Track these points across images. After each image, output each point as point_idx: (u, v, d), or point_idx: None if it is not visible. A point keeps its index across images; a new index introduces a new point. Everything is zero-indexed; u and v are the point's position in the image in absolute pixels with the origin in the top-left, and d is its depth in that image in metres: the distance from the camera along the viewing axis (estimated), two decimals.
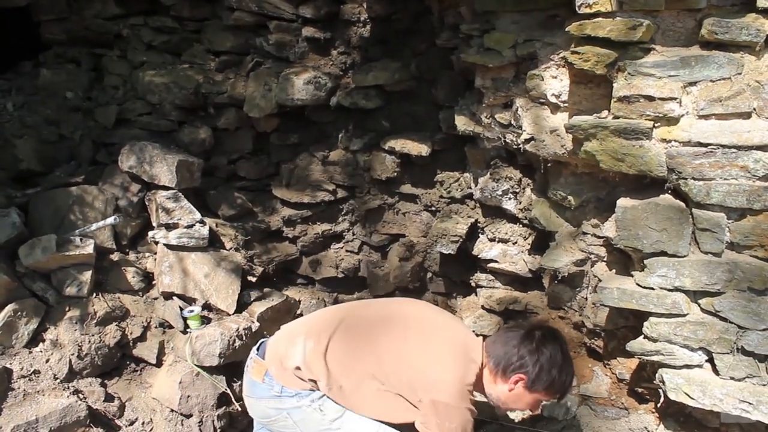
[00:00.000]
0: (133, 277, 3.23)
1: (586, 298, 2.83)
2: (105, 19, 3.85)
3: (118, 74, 3.89)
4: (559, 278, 2.81)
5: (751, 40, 2.06)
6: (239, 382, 2.95)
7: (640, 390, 2.75)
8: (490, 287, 3.48)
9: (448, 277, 3.70)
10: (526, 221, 3.12)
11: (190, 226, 3.29)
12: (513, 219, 3.26)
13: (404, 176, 3.65)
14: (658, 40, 2.21)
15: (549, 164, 2.74)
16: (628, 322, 2.65)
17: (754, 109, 2.10)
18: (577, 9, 2.27)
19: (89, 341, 2.93)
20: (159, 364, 3.08)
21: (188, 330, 3.11)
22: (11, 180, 3.43)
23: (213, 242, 3.38)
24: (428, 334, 2.25)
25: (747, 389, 2.24)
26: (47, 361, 2.84)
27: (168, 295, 3.22)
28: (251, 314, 3.28)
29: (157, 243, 3.33)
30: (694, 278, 2.26)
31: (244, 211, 3.72)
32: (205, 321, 3.16)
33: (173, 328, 3.16)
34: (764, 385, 2.23)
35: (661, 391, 2.45)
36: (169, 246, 3.26)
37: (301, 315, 3.51)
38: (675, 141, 2.20)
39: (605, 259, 2.68)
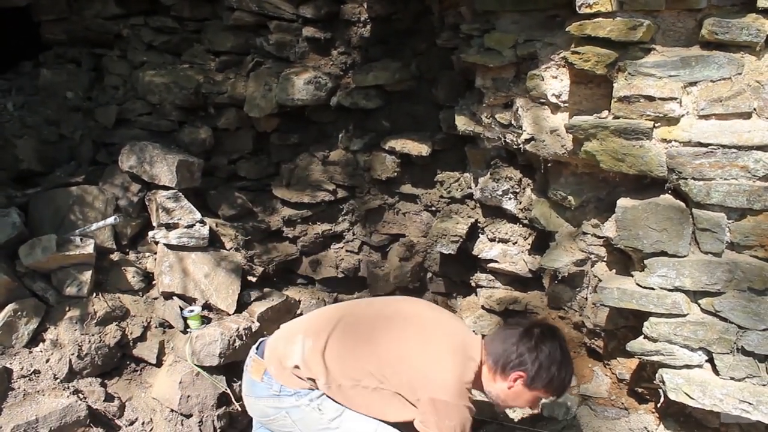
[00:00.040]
0: (133, 277, 3.23)
1: (586, 298, 2.83)
2: (105, 19, 3.85)
3: (119, 74, 3.89)
4: (559, 278, 2.81)
5: (751, 40, 2.06)
6: (239, 382, 2.95)
7: (640, 390, 2.75)
8: (490, 287, 3.48)
9: (448, 277, 3.70)
10: (526, 221, 3.12)
11: (191, 226, 3.29)
12: (513, 219, 3.26)
13: (404, 176, 3.65)
14: (658, 40, 2.21)
15: (549, 164, 2.74)
16: (628, 322, 2.65)
17: (755, 109, 2.10)
18: (577, 9, 2.27)
19: (89, 341, 2.93)
20: (159, 364, 3.08)
21: (188, 330, 3.11)
22: (11, 180, 3.43)
23: (213, 242, 3.38)
24: (427, 332, 2.25)
25: (747, 389, 2.24)
26: (47, 361, 2.84)
27: (168, 295, 3.22)
28: (251, 314, 3.28)
29: (157, 243, 3.33)
30: (694, 278, 2.26)
31: (244, 211, 3.72)
32: (205, 321, 3.16)
33: (173, 328, 3.16)
34: (764, 385, 2.23)
35: (661, 391, 2.45)
36: (169, 246, 3.26)
37: (301, 315, 3.51)
38: (675, 141, 2.20)
39: (605, 259, 2.68)
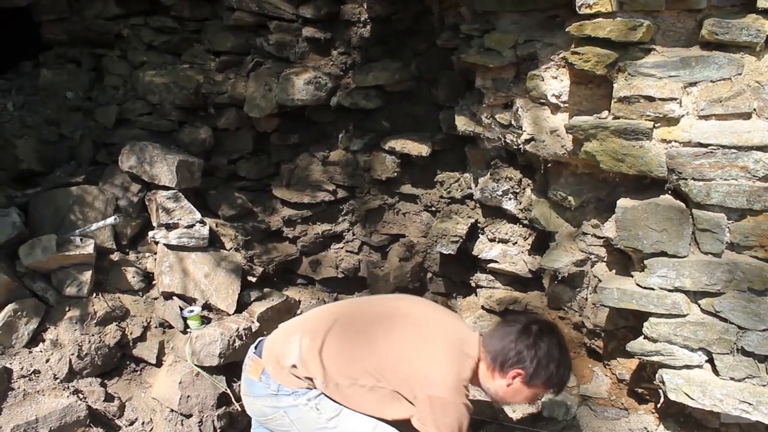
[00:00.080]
0: (133, 277, 3.23)
1: (586, 299, 2.83)
2: (105, 19, 3.85)
3: (119, 74, 3.90)
4: (559, 278, 2.81)
5: (751, 41, 2.06)
6: (239, 382, 2.94)
7: (640, 390, 2.75)
8: (490, 287, 3.48)
9: (448, 277, 3.70)
10: (526, 221, 3.12)
11: (190, 226, 3.29)
12: (513, 219, 3.26)
13: (404, 176, 3.65)
14: (658, 40, 2.21)
15: (549, 164, 2.74)
16: (628, 323, 2.65)
17: (754, 109, 2.10)
18: (577, 9, 2.27)
19: (89, 341, 2.93)
20: (159, 364, 3.08)
21: (188, 330, 3.11)
22: (11, 180, 3.43)
23: (213, 242, 3.38)
24: (424, 330, 2.25)
25: (747, 390, 2.24)
26: (47, 361, 2.84)
27: (168, 295, 3.22)
28: (251, 314, 3.28)
29: (157, 243, 3.33)
30: (694, 279, 2.26)
31: (244, 211, 3.72)
32: (205, 321, 3.16)
33: (173, 328, 3.16)
34: (764, 385, 2.23)
35: (661, 391, 2.45)
36: (169, 246, 3.26)
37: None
38: (675, 141, 2.20)
39: (605, 259, 2.68)
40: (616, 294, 2.42)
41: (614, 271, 2.63)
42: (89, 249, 3.03)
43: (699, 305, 2.30)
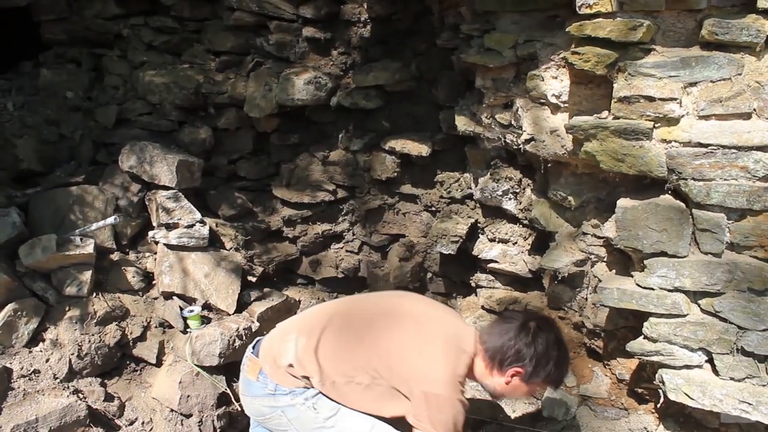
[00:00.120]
0: (133, 276, 3.23)
1: (586, 299, 2.83)
2: (105, 19, 3.85)
3: (119, 74, 3.90)
4: (559, 278, 2.81)
5: (751, 41, 2.06)
6: (239, 382, 2.95)
7: (639, 390, 2.75)
8: (490, 287, 3.48)
9: (448, 277, 3.70)
10: (526, 221, 3.12)
11: (190, 226, 3.29)
12: (513, 219, 3.26)
13: (404, 176, 3.65)
14: (658, 40, 2.21)
15: (549, 164, 2.74)
16: (628, 323, 2.65)
17: (754, 109, 2.10)
18: (577, 9, 2.28)
19: (89, 341, 2.93)
20: (159, 363, 3.08)
21: (188, 330, 3.11)
22: (11, 180, 3.44)
23: (213, 242, 3.38)
24: (419, 326, 2.24)
25: (747, 390, 2.24)
26: (47, 360, 2.84)
27: (168, 295, 3.22)
28: (251, 314, 3.28)
29: (157, 243, 3.33)
30: (694, 279, 2.26)
31: (244, 211, 3.72)
32: (205, 321, 3.16)
33: (173, 327, 3.16)
34: (764, 385, 2.23)
35: (660, 391, 2.45)
36: (169, 246, 3.26)
37: None
38: (675, 141, 2.20)
39: (605, 259, 2.68)
40: (616, 294, 2.42)
41: (614, 271, 2.63)
42: (89, 249, 3.03)
43: (699, 305, 2.30)
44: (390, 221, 3.78)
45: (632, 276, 2.43)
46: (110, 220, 3.25)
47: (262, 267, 3.56)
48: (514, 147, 2.87)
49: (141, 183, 3.41)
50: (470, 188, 3.43)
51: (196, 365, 2.98)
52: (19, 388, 2.73)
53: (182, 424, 2.95)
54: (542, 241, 3.05)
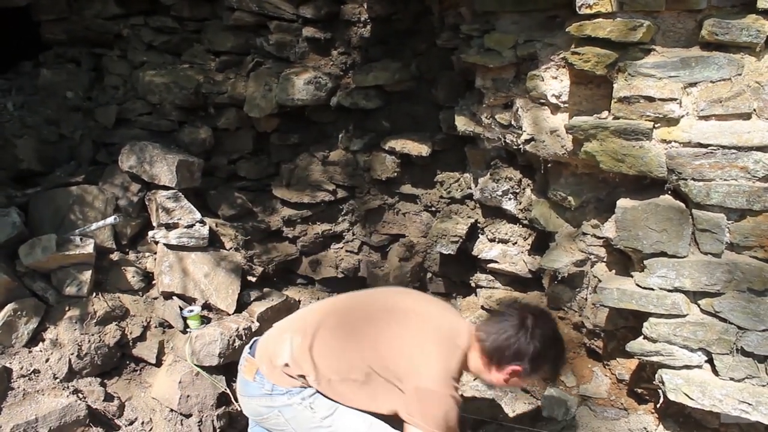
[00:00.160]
0: (133, 276, 3.23)
1: (586, 299, 2.83)
2: (105, 19, 3.86)
3: (119, 74, 3.90)
4: (559, 279, 2.81)
5: (751, 41, 2.06)
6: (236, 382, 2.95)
7: (639, 390, 2.75)
8: (490, 287, 3.48)
9: (447, 277, 3.70)
10: (526, 222, 3.12)
11: (190, 226, 3.29)
12: (513, 219, 3.26)
13: (404, 176, 3.65)
14: (658, 40, 2.21)
15: (549, 165, 2.74)
16: (628, 323, 2.65)
17: (754, 110, 2.10)
18: (577, 9, 2.28)
19: (89, 341, 2.93)
20: (159, 363, 3.08)
21: (188, 330, 3.11)
22: (11, 180, 3.44)
23: (213, 242, 3.38)
24: (412, 321, 2.24)
25: (746, 390, 2.24)
26: (47, 360, 2.84)
27: (168, 295, 3.22)
28: (251, 314, 3.28)
29: (157, 243, 3.33)
30: (693, 279, 2.26)
31: (244, 211, 3.72)
32: (204, 321, 3.16)
33: (173, 327, 3.16)
34: (763, 385, 2.23)
35: (660, 391, 2.45)
36: (169, 246, 3.27)
37: None
38: (675, 142, 2.20)
39: (605, 259, 2.68)
40: (616, 294, 2.42)
41: (614, 271, 2.63)
42: (89, 249, 3.03)
43: (699, 305, 2.30)
44: (390, 221, 3.78)
45: (632, 276, 2.43)
46: (110, 220, 3.25)
47: (262, 267, 3.56)
48: (514, 147, 2.87)
49: (141, 183, 3.41)
50: (470, 188, 3.43)
51: (195, 365, 2.98)
52: (18, 387, 2.73)
53: (182, 424, 2.95)
54: (542, 242, 3.05)
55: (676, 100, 2.16)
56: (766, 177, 2.11)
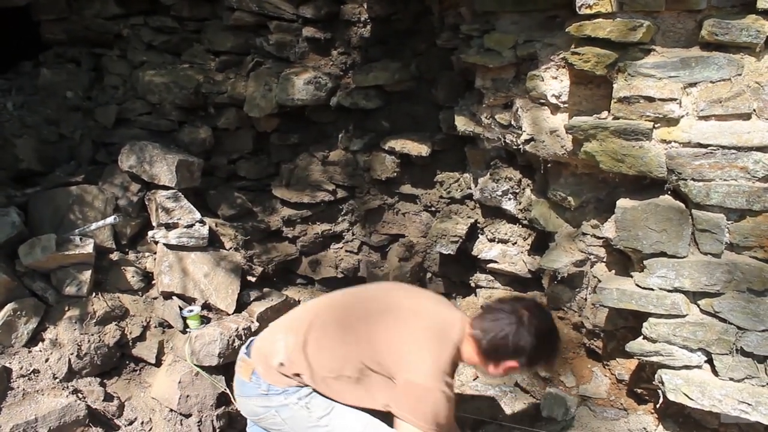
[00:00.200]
0: (133, 276, 3.23)
1: (586, 299, 2.83)
2: (105, 19, 3.86)
3: (118, 74, 3.90)
4: (559, 279, 2.81)
5: (751, 42, 2.06)
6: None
7: (639, 391, 2.75)
8: (490, 287, 3.48)
9: (447, 277, 3.70)
10: (525, 222, 3.12)
11: (190, 226, 3.29)
12: (513, 219, 3.26)
13: (404, 176, 3.65)
14: (658, 41, 2.21)
15: (549, 165, 2.74)
16: (628, 323, 2.65)
17: (754, 110, 2.10)
18: (577, 10, 2.28)
19: (89, 341, 2.93)
20: (158, 363, 3.08)
21: (188, 330, 3.11)
22: (11, 179, 3.44)
23: (213, 242, 3.38)
24: (405, 316, 2.24)
25: (746, 390, 2.24)
26: (47, 360, 2.84)
27: (167, 295, 3.22)
28: (251, 314, 3.28)
29: (156, 243, 3.33)
30: (693, 279, 2.26)
31: (244, 211, 3.72)
32: (204, 321, 3.16)
33: (173, 327, 3.16)
34: (763, 386, 2.23)
35: (660, 391, 2.45)
36: (168, 246, 3.26)
37: None
38: (675, 142, 2.20)
39: (605, 259, 2.68)
40: (616, 294, 2.42)
41: (614, 271, 2.63)
42: (89, 248, 3.03)
43: (698, 306, 2.30)
44: (390, 221, 3.78)
45: (632, 276, 2.43)
46: (110, 219, 3.25)
47: (262, 267, 3.56)
48: (514, 147, 2.87)
49: (141, 183, 3.41)
50: (470, 188, 3.43)
51: (195, 365, 2.98)
52: (18, 387, 2.73)
53: (181, 424, 2.95)
54: (542, 242, 3.05)
55: (675, 100, 2.16)
56: (766, 177, 2.11)
